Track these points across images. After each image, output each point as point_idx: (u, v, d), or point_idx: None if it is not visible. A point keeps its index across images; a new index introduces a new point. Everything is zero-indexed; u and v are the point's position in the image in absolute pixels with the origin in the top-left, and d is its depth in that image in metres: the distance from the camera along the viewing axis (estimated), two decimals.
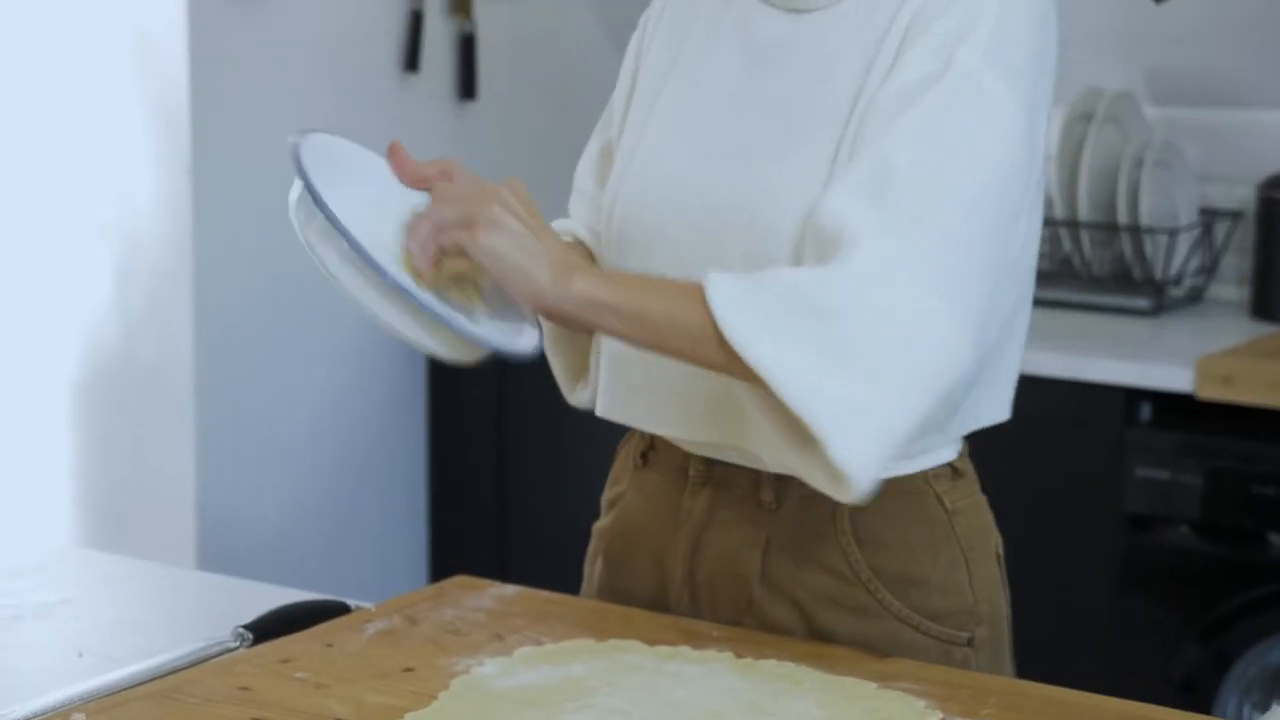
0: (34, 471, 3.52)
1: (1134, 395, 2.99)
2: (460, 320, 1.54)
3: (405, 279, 1.52)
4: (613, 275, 1.62)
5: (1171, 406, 2.98)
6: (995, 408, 1.68)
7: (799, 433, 1.51)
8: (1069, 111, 3.38)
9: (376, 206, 1.57)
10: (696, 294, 1.52)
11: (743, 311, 1.50)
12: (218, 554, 3.34)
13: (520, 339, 1.59)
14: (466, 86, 3.76)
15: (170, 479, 3.35)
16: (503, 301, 1.59)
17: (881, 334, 1.49)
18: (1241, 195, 3.43)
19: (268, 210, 3.36)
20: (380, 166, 1.63)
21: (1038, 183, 1.63)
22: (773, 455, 1.60)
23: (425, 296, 1.52)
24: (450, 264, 1.56)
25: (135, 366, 3.40)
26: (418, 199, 1.60)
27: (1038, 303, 1.72)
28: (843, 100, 1.61)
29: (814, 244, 1.55)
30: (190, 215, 3.29)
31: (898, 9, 1.60)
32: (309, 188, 1.53)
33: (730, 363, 1.51)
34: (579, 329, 1.67)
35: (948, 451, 1.68)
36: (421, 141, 3.67)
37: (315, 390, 3.52)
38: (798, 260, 1.58)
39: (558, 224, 1.86)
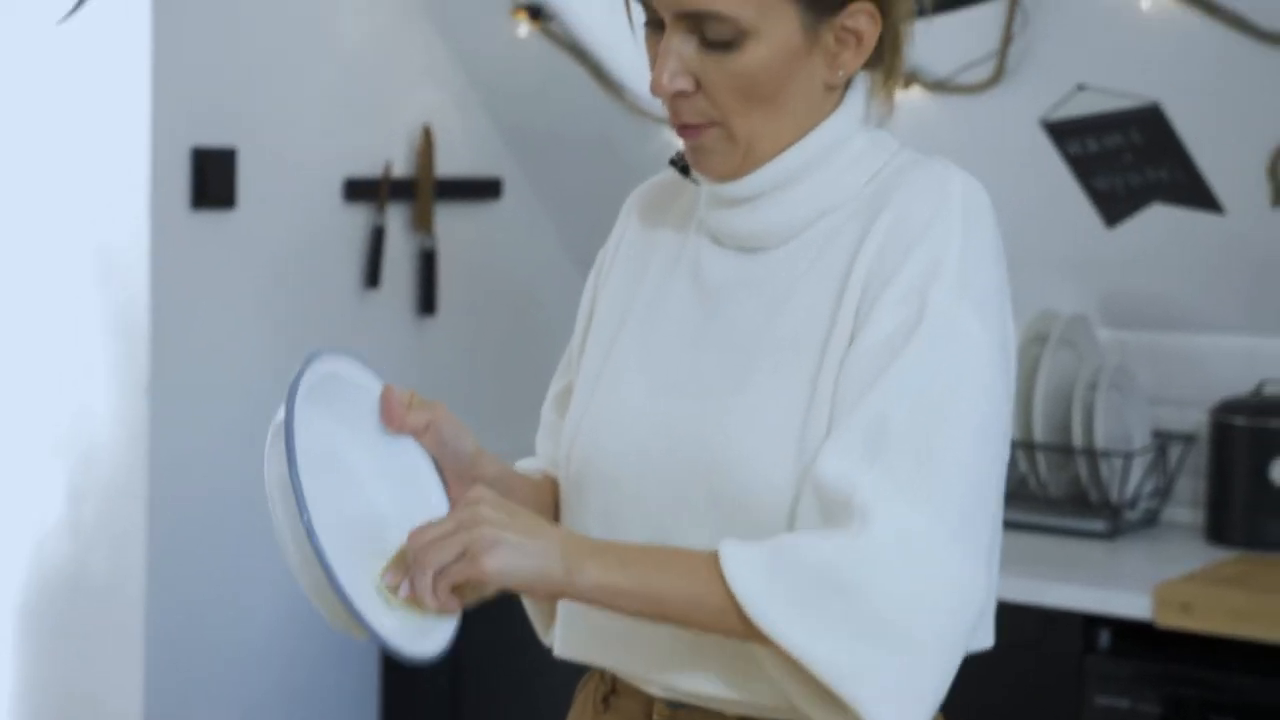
0: None
1: (1092, 622, 2.99)
2: (367, 615, 1.53)
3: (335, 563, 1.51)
4: (624, 553, 1.59)
5: (1130, 634, 2.97)
6: (982, 635, 1.68)
7: (823, 693, 1.52)
8: (1024, 334, 3.41)
9: (359, 446, 1.61)
10: (712, 569, 1.53)
11: (768, 594, 1.51)
12: None
13: (427, 640, 1.57)
14: (426, 302, 3.79)
15: (116, 711, 3.29)
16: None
17: (910, 601, 1.51)
18: (1194, 419, 3.46)
19: (226, 428, 3.36)
20: (373, 393, 1.66)
21: (1010, 408, 1.65)
22: (780, 698, 1.59)
23: (342, 584, 1.51)
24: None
25: (84, 587, 3.36)
26: (402, 447, 1.64)
27: None
28: (802, 338, 1.63)
29: (818, 505, 1.56)
30: (146, 432, 3.28)
31: (857, 247, 1.62)
32: (287, 431, 1.53)
33: (752, 634, 1.53)
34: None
35: None
36: (381, 357, 3.71)
37: (268, 615, 3.48)
38: (764, 497, 1.59)
39: (525, 463, 1.87)
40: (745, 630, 1.53)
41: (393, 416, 1.64)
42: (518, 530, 1.54)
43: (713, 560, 1.53)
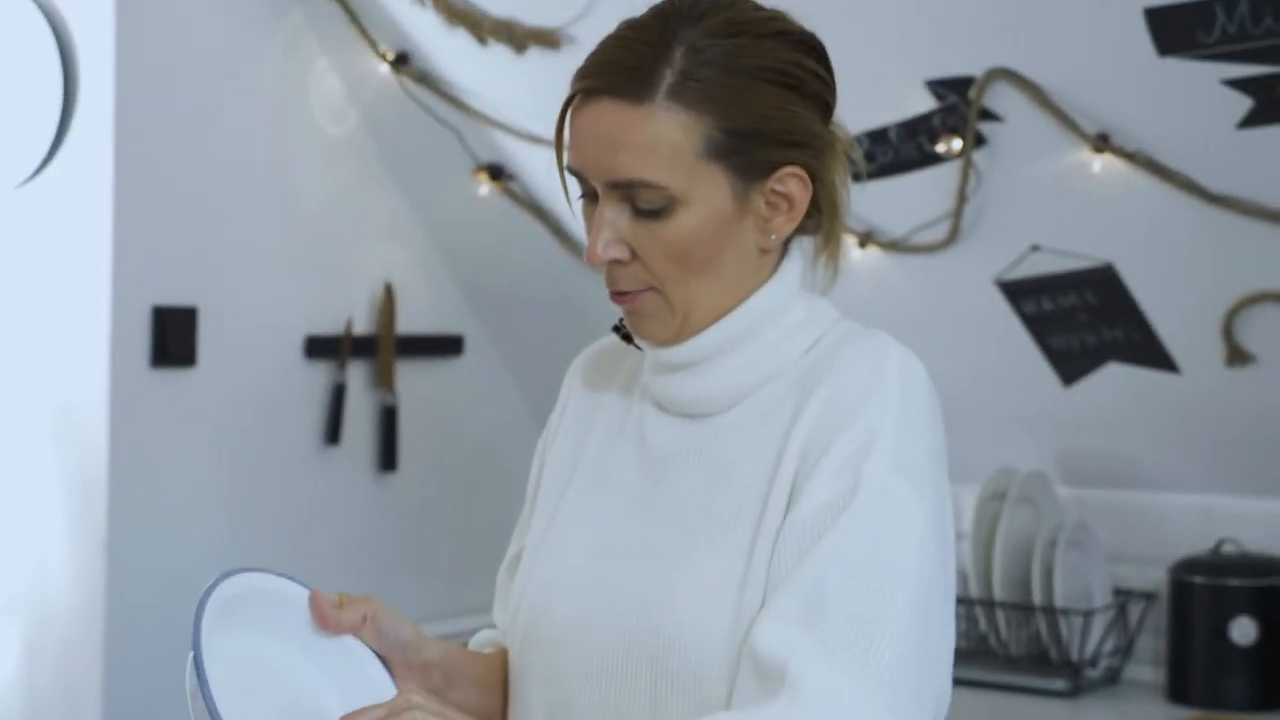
0: None
1: None
2: None
3: None
4: None
5: None
6: None
7: None
8: (982, 491, 3.43)
9: (295, 652, 1.59)
10: None
11: None
12: None
13: None
14: (387, 458, 3.78)
15: None
16: None
17: None
18: (1154, 577, 3.47)
19: (184, 587, 3.34)
20: (301, 599, 1.64)
21: (953, 577, 1.65)
22: None
23: None
24: None
25: None
26: (341, 644, 1.62)
27: (955, 682, 1.72)
28: (741, 509, 1.63)
29: (753, 674, 1.55)
30: (103, 589, 3.26)
31: (793, 419, 1.63)
32: (196, 661, 1.52)
33: None
34: None
35: None
36: (341, 513, 3.71)
37: None
38: (704, 665, 1.59)
39: (482, 635, 1.86)
40: None
41: (326, 619, 1.63)
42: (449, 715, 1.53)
43: None
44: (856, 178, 1.74)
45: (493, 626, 1.89)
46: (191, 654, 1.53)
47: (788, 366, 1.67)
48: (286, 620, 1.62)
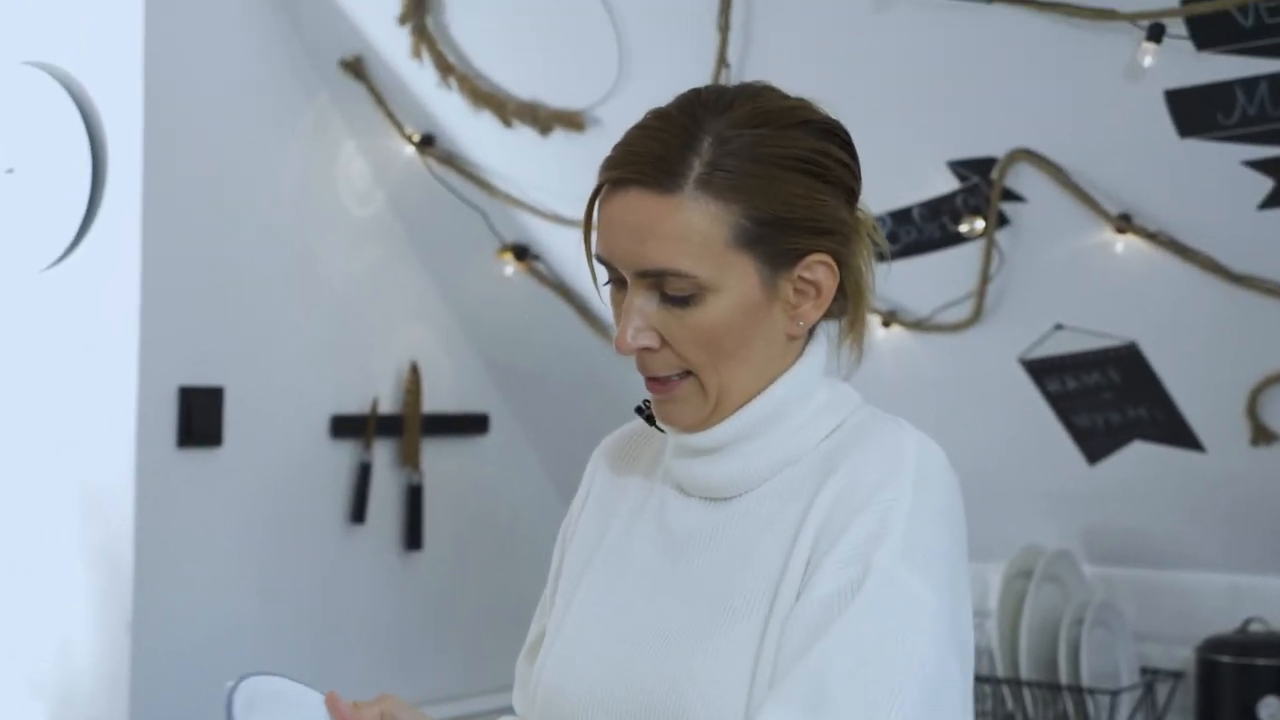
0: None
1: None
2: None
3: None
4: None
5: None
6: None
7: None
8: (1008, 569, 3.42)
9: None
10: None
11: None
12: None
13: None
14: (413, 537, 3.79)
15: None
16: None
17: None
18: (1181, 656, 3.45)
19: (209, 666, 3.35)
20: (318, 704, 1.66)
21: (970, 654, 1.64)
22: None
23: None
24: None
25: None
26: None
27: None
28: (758, 593, 1.63)
29: None
30: (128, 668, 3.27)
31: (809, 506, 1.63)
32: None
33: None
34: None
35: None
36: (366, 592, 3.71)
37: None
38: None
39: None
40: None
41: (343, 716, 1.66)
42: None
43: None
44: (881, 258, 1.76)
45: (513, 712, 1.90)
46: None
47: (809, 451, 1.68)
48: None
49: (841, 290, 1.70)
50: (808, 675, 1.55)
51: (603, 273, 1.70)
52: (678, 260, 1.62)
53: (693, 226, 1.61)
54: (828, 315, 1.72)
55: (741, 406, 1.68)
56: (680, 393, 1.68)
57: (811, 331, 1.72)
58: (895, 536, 1.58)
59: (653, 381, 1.69)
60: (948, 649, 1.58)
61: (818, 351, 1.71)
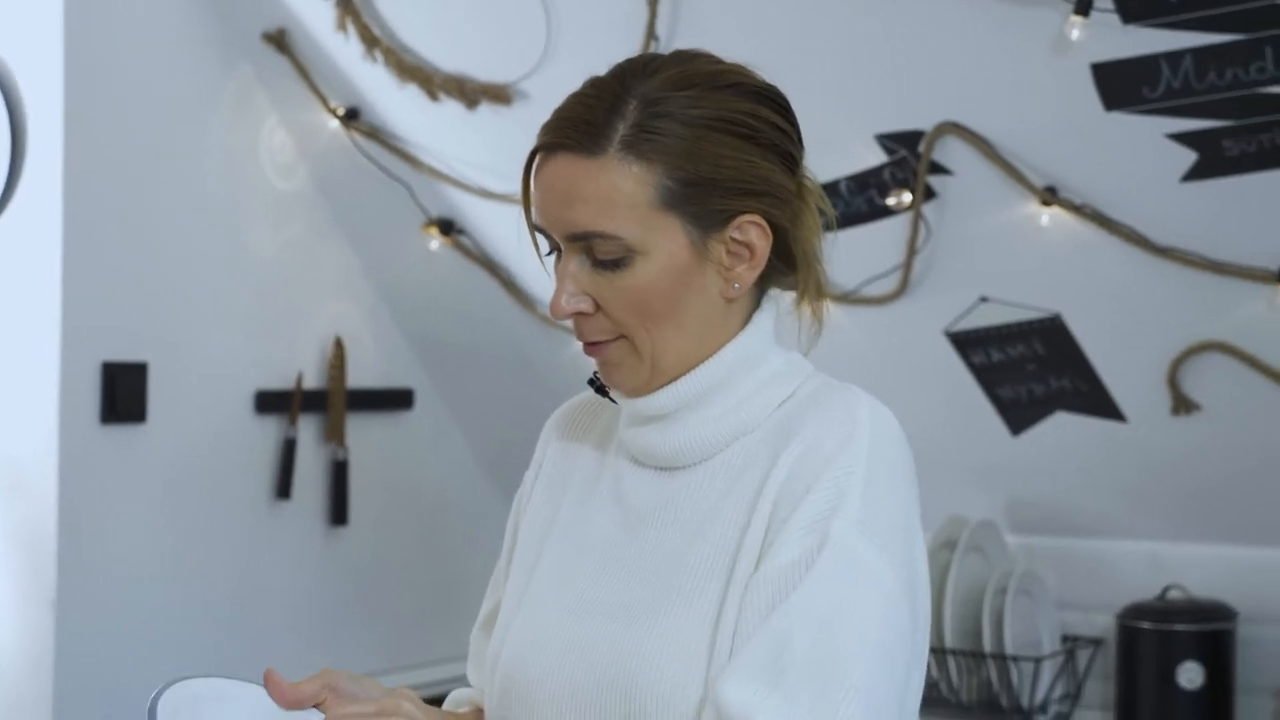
0: None
1: None
2: None
3: None
4: None
5: None
6: None
7: None
8: (933, 540, 3.45)
9: None
10: None
11: None
12: None
13: None
14: (338, 512, 3.78)
15: None
16: None
17: None
18: (1102, 623, 3.51)
19: (134, 644, 3.33)
20: (258, 695, 1.62)
21: (926, 623, 1.66)
22: None
23: None
24: None
25: None
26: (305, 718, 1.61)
27: None
28: (715, 563, 1.64)
29: None
30: (52, 646, 3.24)
31: (765, 476, 1.64)
32: None
33: None
34: None
35: None
36: (292, 567, 3.70)
37: None
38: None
39: (458, 693, 1.87)
40: None
41: (284, 693, 1.62)
42: None
43: None
44: (827, 228, 1.76)
45: (468, 684, 1.90)
46: None
47: (761, 421, 1.68)
48: (243, 715, 1.60)
49: (789, 259, 1.70)
50: (766, 645, 1.56)
51: (544, 243, 1.71)
52: (603, 222, 1.62)
53: (617, 188, 1.62)
54: (780, 285, 1.72)
55: (684, 372, 1.68)
56: (613, 356, 1.68)
57: (761, 299, 1.72)
58: (852, 505, 1.59)
59: (588, 346, 1.70)
60: (904, 617, 1.59)
61: (766, 320, 1.71)
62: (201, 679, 1.62)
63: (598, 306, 1.66)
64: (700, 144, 1.63)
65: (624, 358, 1.68)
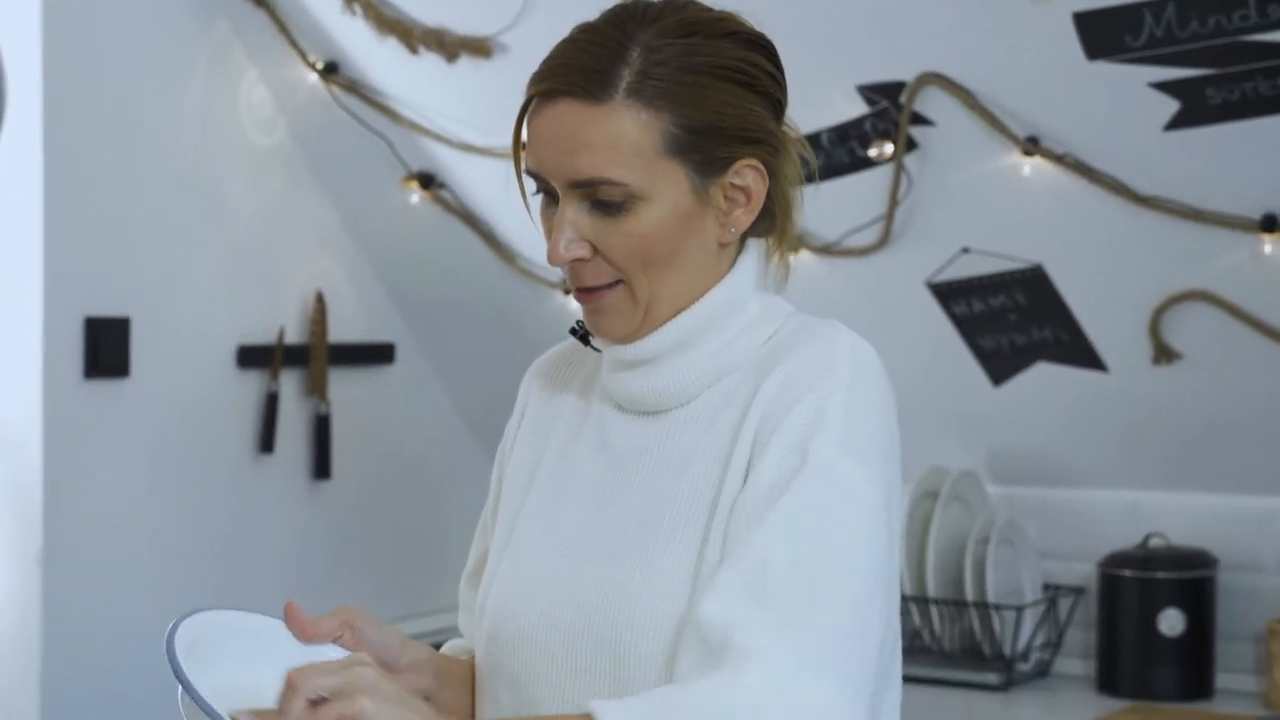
0: None
1: None
2: None
3: None
4: None
5: None
6: None
7: None
8: (915, 490, 3.47)
9: (271, 682, 1.53)
10: None
11: None
12: None
13: None
14: (320, 466, 3.78)
15: None
16: None
17: None
18: (1083, 571, 3.53)
19: (121, 600, 3.33)
20: (277, 628, 1.63)
21: (897, 550, 1.68)
22: None
23: None
24: None
25: None
26: (321, 657, 1.59)
27: None
28: (698, 498, 1.65)
29: (697, 645, 1.57)
30: (40, 605, 3.24)
31: (746, 407, 1.65)
32: (178, 677, 1.50)
33: None
34: None
35: None
36: (275, 522, 3.70)
37: None
38: (665, 658, 1.61)
39: (453, 644, 1.88)
40: None
41: (304, 627, 1.63)
42: (395, 692, 1.52)
43: (586, 717, 1.53)
44: (809, 178, 1.77)
45: (459, 635, 1.91)
46: (180, 690, 1.51)
47: (743, 361, 1.70)
48: (254, 652, 1.59)
49: (769, 207, 1.71)
50: (747, 564, 1.57)
51: (530, 184, 1.71)
52: (609, 169, 1.63)
53: (624, 135, 1.62)
54: (755, 232, 1.74)
55: (671, 317, 1.69)
56: (610, 302, 1.69)
57: (743, 244, 1.73)
58: (833, 427, 1.60)
59: (583, 292, 1.70)
60: (884, 536, 1.61)
61: (749, 264, 1.73)
62: (219, 611, 1.62)
63: (595, 252, 1.67)
64: (704, 91, 1.64)
65: (621, 304, 1.69)
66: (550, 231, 1.68)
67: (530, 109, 1.68)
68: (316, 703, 1.48)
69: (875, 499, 1.61)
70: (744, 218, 1.69)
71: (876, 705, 1.63)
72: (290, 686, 1.50)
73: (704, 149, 1.65)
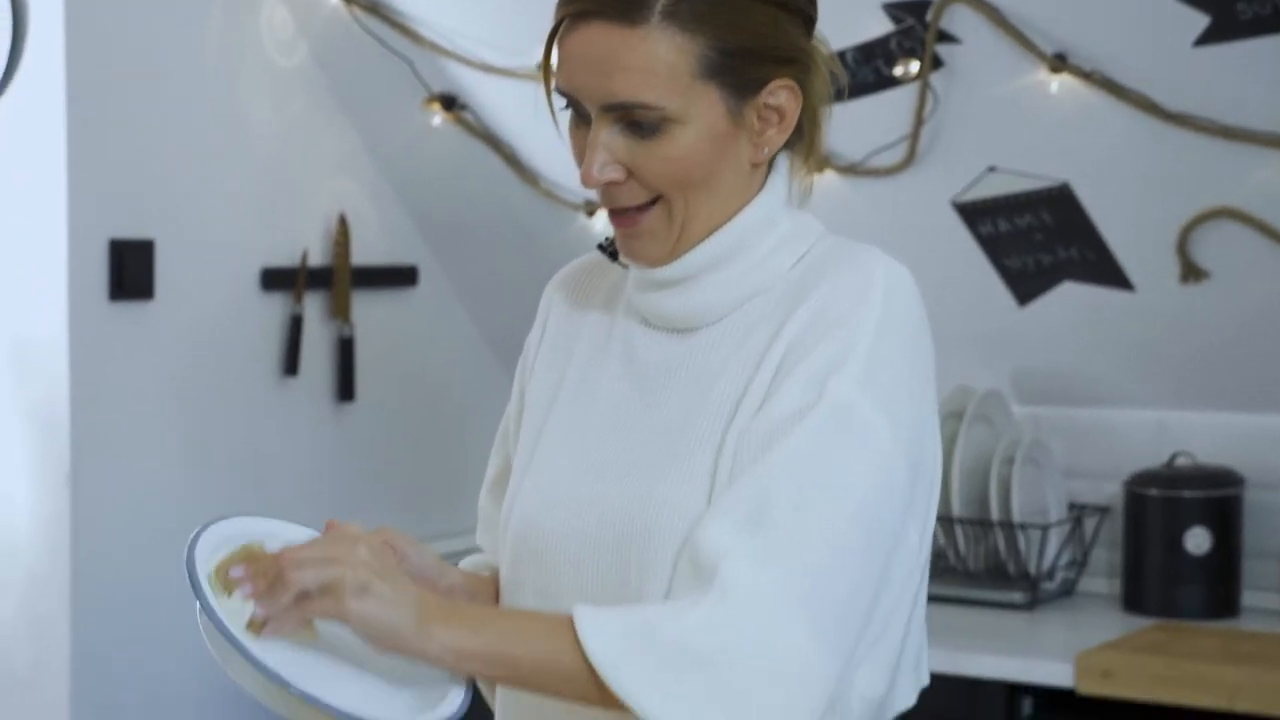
0: None
1: (1015, 690, 3.03)
2: (377, 710, 1.53)
3: (313, 690, 1.51)
4: (479, 618, 1.61)
5: (1053, 702, 3.02)
6: (903, 695, 1.71)
7: None
8: (940, 410, 3.41)
9: None
10: (566, 635, 1.54)
11: (624, 662, 1.52)
12: None
13: (441, 707, 1.58)
14: (345, 389, 3.79)
15: None
16: (418, 668, 1.59)
17: (756, 674, 1.52)
18: (1109, 491, 3.53)
19: (148, 518, 3.35)
20: (308, 537, 1.64)
21: (931, 483, 1.67)
22: None
23: (338, 706, 1.51)
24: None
25: (6, 680, 3.32)
26: None
27: None
28: (723, 416, 1.65)
29: (690, 567, 1.58)
30: (69, 522, 3.26)
31: (777, 331, 1.65)
32: (195, 589, 1.51)
33: (604, 699, 1.54)
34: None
35: None
36: (300, 443, 3.71)
37: (193, 708, 3.45)
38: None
39: (472, 559, 1.88)
40: (599, 695, 1.54)
41: None
42: (386, 581, 1.55)
43: (567, 624, 1.55)
44: (839, 94, 1.76)
45: (480, 551, 1.91)
46: (197, 604, 1.52)
47: (775, 280, 1.69)
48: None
49: (799, 124, 1.70)
50: (751, 490, 1.57)
51: (560, 103, 1.70)
52: (644, 92, 1.62)
53: (659, 58, 1.61)
54: (784, 146, 1.73)
55: (705, 238, 1.68)
56: (647, 224, 1.68)
57: (773, 162, 1.72)
58: (857, 363, 1.60)
59: (618, 216, 1.69)
60: (895, 478, 1.60)
61: (779, 182, 1.72)
62: (247, 518, 1.64)
63: (629, 174, 1.66)
64: (738, 13, 1.63)
65: (657, 226, 1.68)
66: (581, 152, 1.67)
67: (561, 29, 1.67)
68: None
69: (893, 439, 1.59)
70: (777, 137, 1.68)
71: (877, 652, 1.64)
72: (280, 579, 1.52)
73: (739, 71, 1.64)
